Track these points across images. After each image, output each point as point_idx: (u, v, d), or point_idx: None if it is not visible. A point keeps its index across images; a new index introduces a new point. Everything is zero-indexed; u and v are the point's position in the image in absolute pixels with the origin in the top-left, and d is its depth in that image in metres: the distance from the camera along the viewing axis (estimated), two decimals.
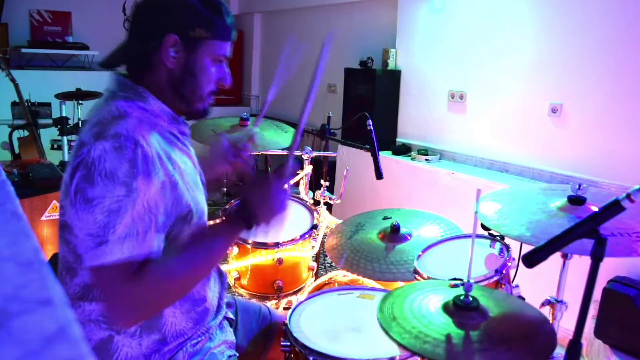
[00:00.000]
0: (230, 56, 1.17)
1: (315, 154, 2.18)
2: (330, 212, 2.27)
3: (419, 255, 1.58)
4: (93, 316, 1.07)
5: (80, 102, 3.91)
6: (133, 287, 0.97)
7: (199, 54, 1.10)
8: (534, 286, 1.75)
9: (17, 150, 3.47)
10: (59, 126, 3.72)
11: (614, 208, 0.94)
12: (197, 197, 1.15)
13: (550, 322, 1.36)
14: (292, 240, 1.81)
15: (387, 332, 1.03)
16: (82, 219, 0.96)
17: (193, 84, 1.12)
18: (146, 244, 0.98)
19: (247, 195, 1.16)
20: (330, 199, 2.18)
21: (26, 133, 3.51)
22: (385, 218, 1.90)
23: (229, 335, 1.32)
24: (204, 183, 1.25)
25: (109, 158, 0.96)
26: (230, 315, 1.37)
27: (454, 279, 1.31)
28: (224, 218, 1.15)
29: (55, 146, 3.96)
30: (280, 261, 1.79)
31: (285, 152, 2.12)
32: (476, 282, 1.26)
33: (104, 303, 1.01)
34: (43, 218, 2.18)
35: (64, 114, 3.77)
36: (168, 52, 1.08)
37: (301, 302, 1.44)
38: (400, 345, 1.00)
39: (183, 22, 1.08)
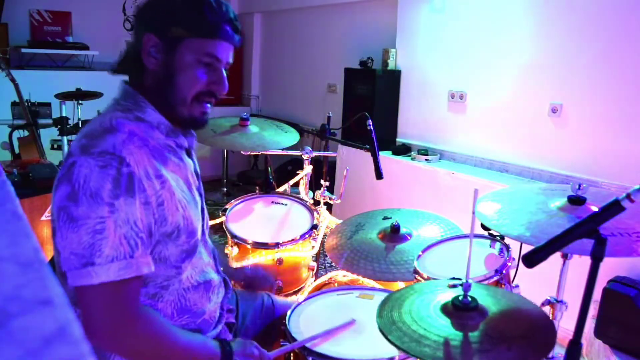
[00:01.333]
0: (226, 59, 1.11)
1: (315, 154, 2.18)
2: (330, 212, 2.27)
3: (419, 255, 1.58)
4: None
5: (80, 102, 3.91)
6: (116, 313, 0.97)
7: (178, 54, 1.06)
8: (534, 286, 1.75)
9: (17, 150, 3.47)
10: (59, 126, 3.72)
11: (614, 208, 0.93)
12: (189, 214, 1.10)
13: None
14: (292, 240, 1.81)
15: (386, 337, 1.02)
16: (67, 237, 0.95)
17: (173, 86, 1.07)
18: (134, 266, 0.97)
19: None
20: (330, 199, 2.18)
21: (26, 133, 3.51)
22: (385, 218, 1.90)
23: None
24: (202, 195, 1.22)
25: (94, 177, 0.95)
26: (231, 320, 1.37)
27: (454, 279, 1.31)
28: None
29: (55, 146, 3.96)
30: (280, 261, 1.79)
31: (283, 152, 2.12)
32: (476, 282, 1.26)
33: (81, 321, 0.98)
34: (43, 218, 2.18)
35: (64, 114, 3.77)
36: (148, 53, 1.07)
37: (301, 302, 1.44)
38: (400, 349, 0.99)
39: (160, 21, 1.06)
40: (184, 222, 1.09)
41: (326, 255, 2.01)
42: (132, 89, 1.10)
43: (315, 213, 1.97)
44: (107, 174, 0.95)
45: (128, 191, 0.97)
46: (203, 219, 1.21)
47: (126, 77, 1.14)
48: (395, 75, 3.74)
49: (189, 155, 1.21)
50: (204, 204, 1.24)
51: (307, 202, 2.05)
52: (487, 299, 1.12)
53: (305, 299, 1.47)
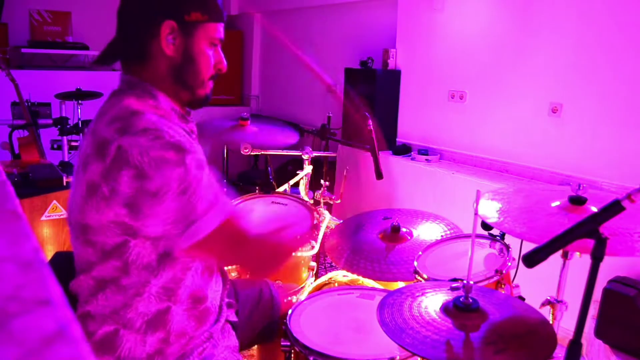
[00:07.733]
0: (223, 39, 1.17)
1: (315, 154, 2.18)
2: (330, 212, 2.27)
3: (419, 255, 1.58)
4: (107, 311, 1.07)
5: (80, 102, 3.91)
6: (232, 248, 1.08)
7: (196, 38, 1.10)
8: (534, 286, 1.75)
9: (17, 150, 3.47)
10: (59, 126, 3.71)
11: (614, 208, 0.94)
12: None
13: (550, 322, 1.36)
14: None
15: (402, 346, 1.01)
16: (155, 213, 0.98)
17: (194, 69, 1.12)
18: (227, 206, 1.03)
19: None
20: (330, 199, 2.18)
21: (26, 133, 3.51)
22: (385, 218, 1.90)
23: (232, 339, 1.31)
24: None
25: (152, 148, 0.97)
26: (233, 318, 1.36)
27: (454, 279, 1.31)
28: None
29: (55, 146, 3.96)
30: None
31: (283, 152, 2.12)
32: (476, 283, 1.26)
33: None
34: (43, 218, 2.18)
35: (64, 114, 3.76)
36: (166, 40, 1.08)
37: (301, 302, 1.44)
38: (421, 357, 0.99)
39: (177, 7, 1.08)
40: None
41: (326, 255, 2.01)
42: (137, 79, 1.10)
43: (315, 213, 1.97)
44: (164, 141, 0.98)
45: (187, 150, 1.00)
46: None
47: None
48: (395, 75, 3.74)
49: None
50: None
51: (307, 202, 2.05)
52: (488, 303, 1.12)
53: (306, 299, 1.47)
